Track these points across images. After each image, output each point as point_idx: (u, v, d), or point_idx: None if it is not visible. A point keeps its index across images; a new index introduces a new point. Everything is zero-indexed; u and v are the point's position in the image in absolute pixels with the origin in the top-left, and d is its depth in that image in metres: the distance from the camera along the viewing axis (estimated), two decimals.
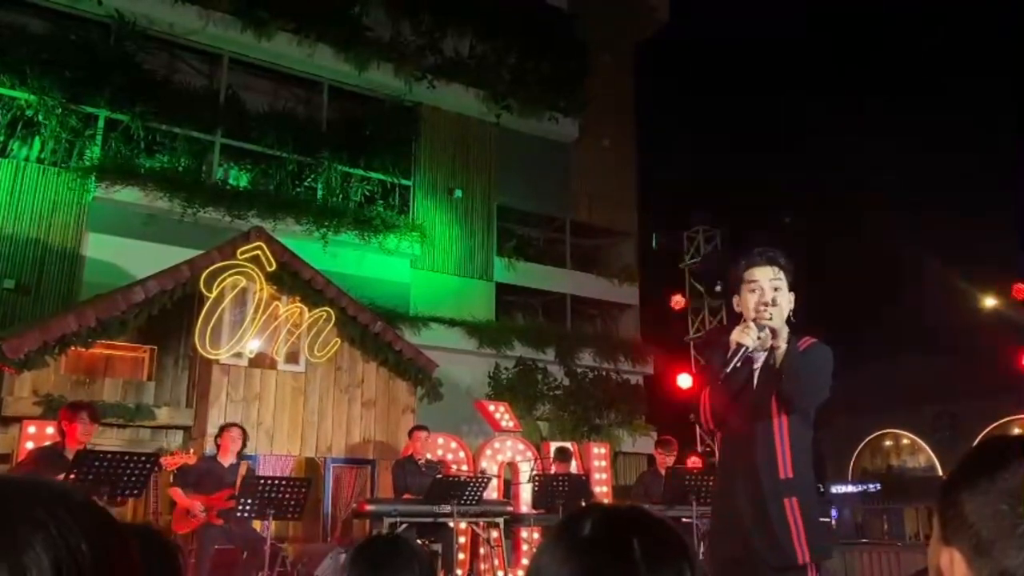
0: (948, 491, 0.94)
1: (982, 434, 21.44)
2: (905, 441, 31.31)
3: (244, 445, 7.14)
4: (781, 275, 2.85)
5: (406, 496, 7.58)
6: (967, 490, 0.91)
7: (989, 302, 14.58)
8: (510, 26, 14.99)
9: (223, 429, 7.09)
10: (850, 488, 31.72)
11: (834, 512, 30.89)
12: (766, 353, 2.87)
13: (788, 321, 2.85)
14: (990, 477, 0.90)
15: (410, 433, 8.25)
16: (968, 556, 0.89)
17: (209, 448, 7.76)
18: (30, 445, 6.80)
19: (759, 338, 2.75)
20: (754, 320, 2.80)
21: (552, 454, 9.30)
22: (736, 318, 2.94)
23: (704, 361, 3.23)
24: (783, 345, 2.78)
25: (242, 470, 7.04)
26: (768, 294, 2.81)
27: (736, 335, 2.75)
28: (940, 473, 27.81)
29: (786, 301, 2.85)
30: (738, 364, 2.70)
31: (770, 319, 2.78)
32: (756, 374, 2.89)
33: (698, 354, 14.18)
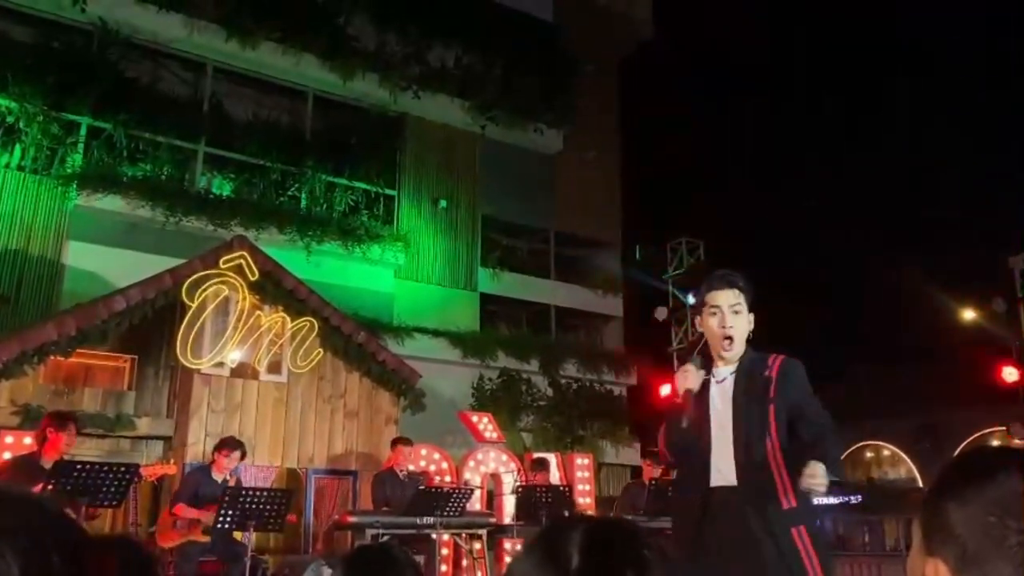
0: (932, 501, 0.93)
1: (962, 445, 21.60)
2: (886, 452, 31.50)
3: (243, 456, 7.09)
4: (741, 298, 2.94)
5: (384, 508, 7.55)
6: (953, 500, 0.90)
7: (969, 314, 14.73)
8: (496, 38, 15.04)
9: (223, 447, 6.94)
10: (831, 499, 31.83)
11: (816, 523, 30.97)
12: (735, 368, 2.91)
13: (748, 340, 2.96)
14: (977, 487, 0.89)
15: (392, 445, 8.21)
16: (954, 568, 0.88)
17: (190, 460, 7.70)
18: (7, 455, 6.72)
19: (702, 370, 2.89)
20: (698, 352, 2.93)
21: (529, 467, 9.28)
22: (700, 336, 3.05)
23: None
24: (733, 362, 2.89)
25: (232, 483, 6.98)
26: (728, 317, 2.91)
27: (680, 382, 2.88)
28: (921, 484, 28.00)
29: (745, 322, 2.95)
30: (686, 421, 2.79)
31: (730, 348, 2.90)
32: (724, 391, 2.90)
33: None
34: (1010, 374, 12.97)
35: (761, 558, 2.66)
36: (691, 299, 14.11)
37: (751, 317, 2.98)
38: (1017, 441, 12.64)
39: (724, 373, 2.95)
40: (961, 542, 0.88)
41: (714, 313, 2.93)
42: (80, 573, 0.68)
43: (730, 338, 2.89)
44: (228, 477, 6.90)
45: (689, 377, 2.87)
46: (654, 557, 0.95)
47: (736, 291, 2.94)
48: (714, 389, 2.94)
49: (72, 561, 0.67)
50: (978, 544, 0.86)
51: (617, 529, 0.98)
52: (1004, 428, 13.46)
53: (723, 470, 2.80)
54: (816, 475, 2.60)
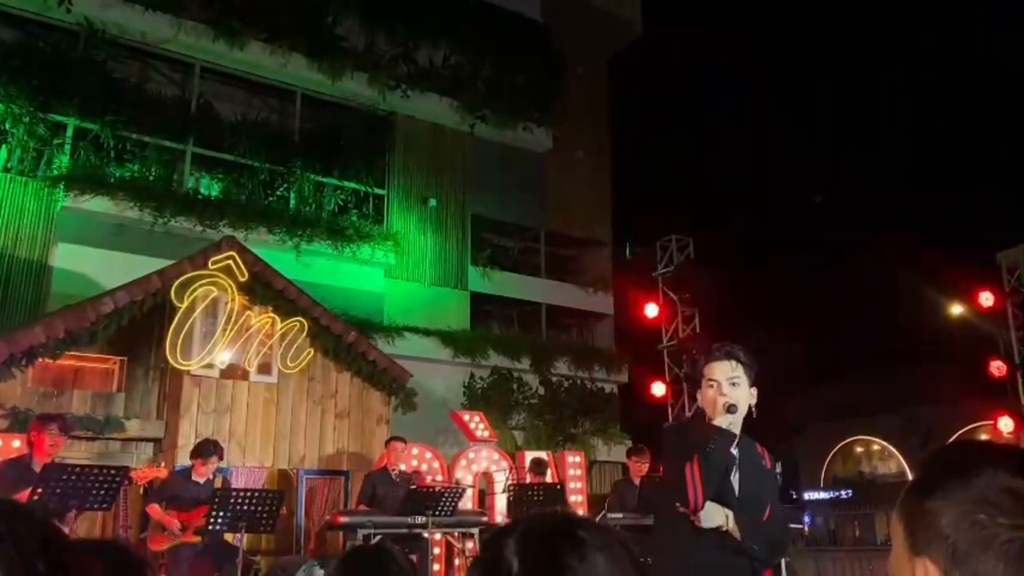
0: (915, 499, 0.92)
1: (951, 439, 21.74)
2: (876, 447, 31.68)
3: (220, 459, 7.05)
4: (740, 370, 2.85)
5: (362, 506, 7.55)
6: (939, 498, 0.89)
7: (957, 310, 14.81)
8: (485, 37, 15.03)
9: (198, 455, 6.86)
10: (822, 494, 32.01)
11: (807, 518, 31.14)
12: (737, 440, 2.88)
13: (749, 416, 2.88)
14: (963, 484, 0.88)
15: (387, 443, 8.21)
16: (944, 568, 0.86)
17: (181, 461, 7.67)
18: None
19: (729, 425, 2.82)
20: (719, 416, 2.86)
21: (528, 466, 9.29)
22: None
23: (671, 448, 3.16)
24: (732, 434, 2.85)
25: (217, 482, 6.96)
26: (726, 389, 2.82)
27: (717, 420, 2.82)
28: (910, 478, 28.19)
29: (745, 395, 2.85)
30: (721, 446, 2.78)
31: (731, 413, 2.81)
32: (738, 465, 2.88)
33: (672, 363, 14.26)
34: (998, 368, 13.05)
35: None
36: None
37: (753, 391, 2.88)
38: (1006, 435, 12.73)
39: (734, 449, 2.89)
40: (950, 541, 0.86)
41: (711, 386, 2.85)
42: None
43: (732, 409, 2.78)
44: (212, 477, 6.88)
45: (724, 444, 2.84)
46: (594, 536, 0.92)
47: (734, 363, 2.85)
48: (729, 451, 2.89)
49: (57, 567, 0.67)
50: (968, 543, 0.85)
51: (551, 523, 0.96)
52: (992, 422, 13.55)
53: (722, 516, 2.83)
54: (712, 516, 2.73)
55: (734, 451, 2.83)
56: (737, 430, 2.82)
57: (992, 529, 0.85)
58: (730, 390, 2.82)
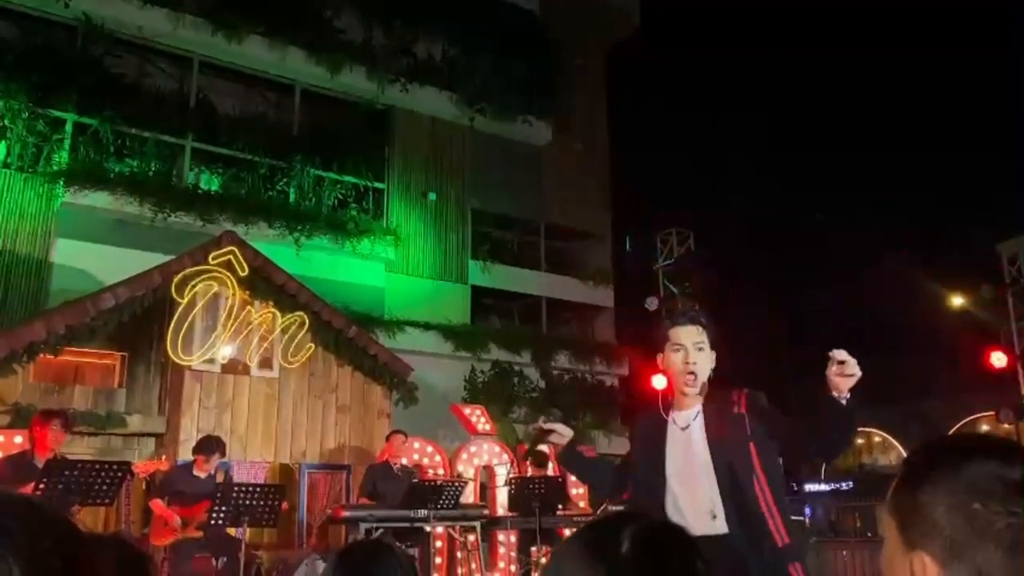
0: (906, 492, 0.91)
1: (952, 430, 21.76)
2: (876, 439, 31.71)
3: (222, 455, 7.07)
4: (704, 335, 2.90)
5: (363, 500, 7.57)
6: (929, 491, 0.88)
7: (957, 300, 14.81)
8: (483, 29, 14.99)
9: (200, 451, 6.87)
10: (823, 486, 32.05)
11: (808, 510, 31.20)
12: (699, 411, 2.86)
13: (710, 379, 2.92)
14: (953, 475, 0.87)
15: (388, 437, 8.23)
16: (941, 560, 0.86)
17: (182, 456, 7.68)
18: None
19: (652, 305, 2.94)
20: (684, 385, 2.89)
21: (528, 459, 9.30)
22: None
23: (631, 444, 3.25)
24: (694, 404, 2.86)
25: (219, 477, 6.98)
26: (692, 354, 2.87)
27: (680, 384, 2.88)
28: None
29: (708, 360, 2.91)
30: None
31: (694, 384, 2.86)
32: (695, 437, 2.83)
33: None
34: (998, 359, 13.06)
35: None
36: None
37: (713, 355, 2.93)
38: (1006, 426, 12.74)
39: (687, 418, 2.87)
40: (946, 533, 0.86)
41: (677, 350, 2.89)
42: (79, 574, 0.68)
43: (693, 374, 2.85)
44: (214, 472, 6.89)
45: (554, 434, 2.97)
46: (705, 570, 0.96)
47: (699, 328, 2.91)
48: (678, 435, 2.86)
49: (71, 562, 0.67)
50: (964, 533, 0.85)
51: (664, 528, 1.00)
52: (993, 413, 13.57)
53: (702, 517, 2.71)
54: (840, 357, 2.61)
55: (694, 420, 2.86)
56: (699, 393, 2.88)
57: (987, 517, 0.84)
58: (696, 355, 2.87)
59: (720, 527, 2.68)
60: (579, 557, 0.95)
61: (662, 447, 2.86)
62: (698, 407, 2.87)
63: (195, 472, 6.81)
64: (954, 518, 0.86)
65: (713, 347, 2.93)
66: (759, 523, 2.67)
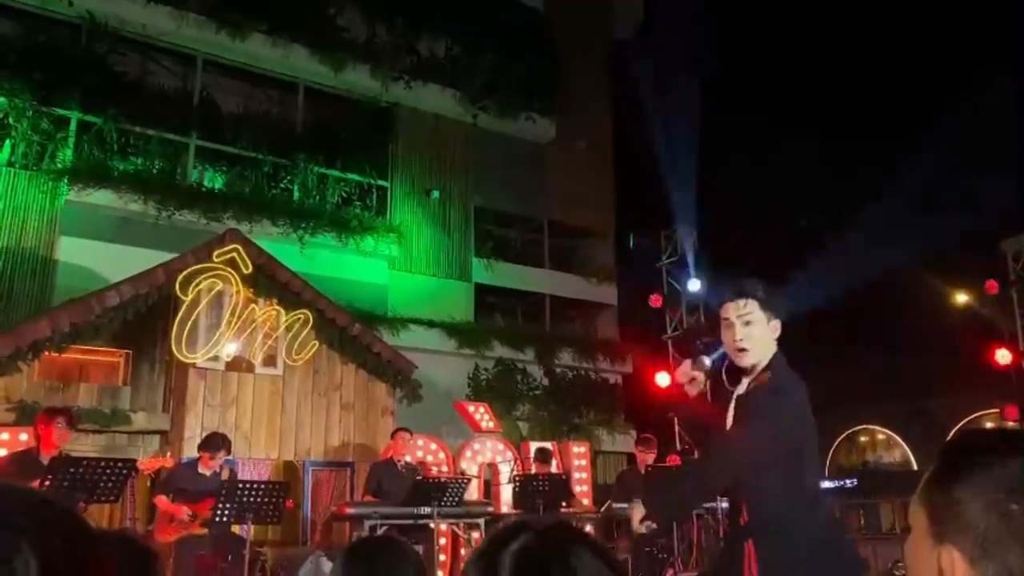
0: (941, 486, 0.90)
1: (956, 428, 21.73)
2: (880, 436, 31.66)
3: (227, 453, 7.08)
4: (753, 306, 2.78)
5: (367, 498, 7.58)
6: (966, 487, 0.87)
7: (962, 297, 14.78)
8: (486, 27, 14.98)
9: (206, 448, 6.89)
10: (827, 484, 32.01)
11: None
12: (752, 382, 2.83)
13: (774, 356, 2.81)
14: (992, 472, 0.86)
15: (393, 435, 8.23)
16: (971, 556, 0.85)
17: (187, 454, 7.70)
18: (3, 452, 6.71)
19: (704, 366, 2.84)
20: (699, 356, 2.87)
21: (533, 455, 9.31)
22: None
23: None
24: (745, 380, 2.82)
25: (224, 474, 6.99)
26: (739, 330, 2.78)
27: (687, 389, 2.86)
28: (915, 467, 28.15)
29: (762, 332, 2.79)
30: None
31: (744, 359, 2.79)
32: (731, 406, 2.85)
33: (677, 354, 14.26)
34: (1003, 357, 13.03)
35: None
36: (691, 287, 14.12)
37: (775, 324, 2.81)
38: (1011, 423, 12.72)
39: (742, 387, 2.84)
40: (979, 531, 0.85)
41: (727, 327, 2.81)
42: (91, 570, 0.69)
43: (744, 349, 2.77)
44: (219, 469, 6.90)
45: (690, 382, 2.88)
46: (585, 562, 0.96)
47: (745, 299, 2.79)
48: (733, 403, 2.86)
49: (84, 559, 0.68)
50: (998, 533, 0.84)
51: (545, 543, 0.98)
52: (998, 411, 13.55)
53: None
54: (633, 519, 2.73)
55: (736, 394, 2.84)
56: (755, 365, 2.78)
57: (1022, 519, 0.84)
58: (744, 330, 2.77)
59: (721, 501, 2.90)
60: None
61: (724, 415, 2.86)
62: (746, 381, 2.82)
63: (200, 469, 6.83)
64: (989, 517, 0.85)
65: (775, 317, 2.81)
66: (736, 501, 2.80)
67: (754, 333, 2.77)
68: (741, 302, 2.80)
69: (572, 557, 0.95)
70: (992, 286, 13.32)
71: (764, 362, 2.79)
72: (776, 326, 2.82)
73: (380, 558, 1.84)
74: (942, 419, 25.39)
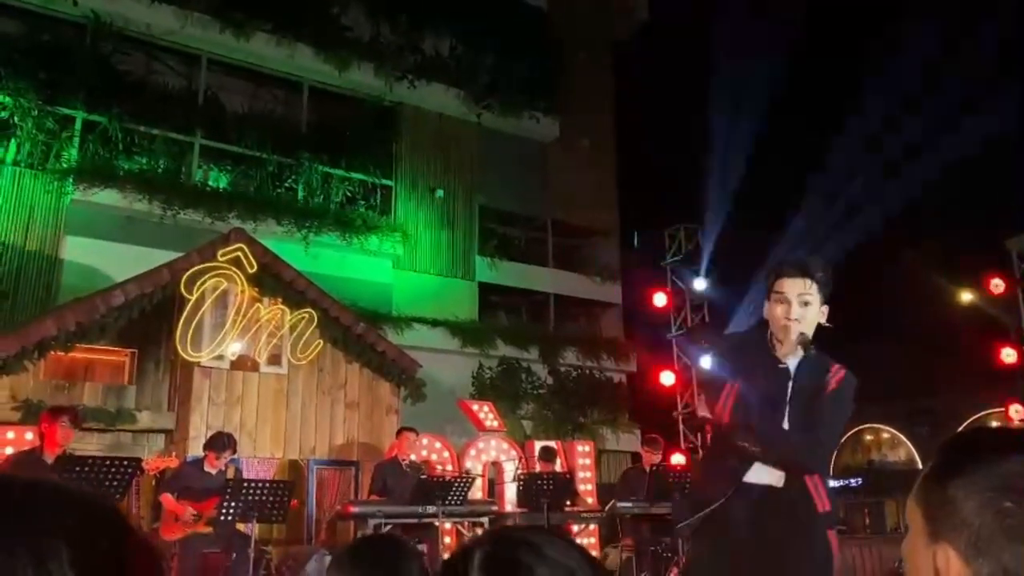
0: (936, 484, 0.90)
1: (961, 427, 21.68)
2: (885, 435, 31.59)
3: (233, 452, 7.09)
4: (814, 288, 2.70)
5: (373, 497, 7.58)
6: (961, 485, 0.87)
7: (967, 296, 14.74)
8: (489, 25, 14.98)
9: (211, 447, 6.89)
10: (832, 483, 31.91)
11: None
12: (799, 360, 2.75)
13: (819, 333, 2.76)
14: (987, 470, 0.86)
15: (398, 434, 8.24)
16: (965, 555, 0.85)
17: (192, 453, 7.71)
18: (9, 451, 6.73)
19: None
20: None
21: (537, 454, 9.31)
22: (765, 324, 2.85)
23: (720, 355, 3.08)
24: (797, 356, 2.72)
25: (230, 472, 7.00)
26: (795, 308, 2.68)
27: (783, 335, 2.70)
28: (920, 466, 28.09)
29: (815, 315, 2.71)
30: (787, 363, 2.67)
31: (799, 337, 2.69)
32: (783, 380, 2.74)
33: (681, 352, 14.25)
34: (1009, 355, 13.00)
35: (802, 556, 2.64)
36: (694, 284, 14.07)
37: (825, 309, 2.74)
38: (1017, 422, 12.68)
39: (788, 360, 2.75)
40: (974, 529, 0.84)
41: (781, 302, 2.69)
42: (135, 572, 0.68)
43: (791, 329, 2.68)
44: (224, 468, 6.91)
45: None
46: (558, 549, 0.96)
47: (809, 280, 2.69)
48: (782, 378, 2.75)
49: (127, 561, 0.67)
50: (992, 531, 0.84)
51: (513, 548, 0.98)
52: (1003, 409, 13.51)
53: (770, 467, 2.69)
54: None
55: (791, 367, 2.73)
56: (797, 348, 2.70)
57: (1019, 518, 0.83)
58: (800, 310, 2.68)
59: (778, 481, 2.69)
60: None
61: (776, 387, 2.74)
62: (799, 357, 2.73)
63: (206, 468, 6.84)
64: (983, 515, 0.85)
65: (827, 301, 2.75)
66: (802, 486, 2.68)
67: (809, 315, 2.70)
68: (805, 281, 2.70)
69: (545, 547, 0.95)
70: (997, 284, 13.28)
71: (804, 346, 2.72)
72: (825, 311, 2.77)
73: (383, 556, 1.84)
74: (947, 418, 25.32)
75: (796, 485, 2.67)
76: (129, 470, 5.70)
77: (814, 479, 2.69)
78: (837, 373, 2.75)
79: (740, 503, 2.66)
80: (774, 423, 2.69)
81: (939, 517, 0.88)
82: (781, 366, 2.75)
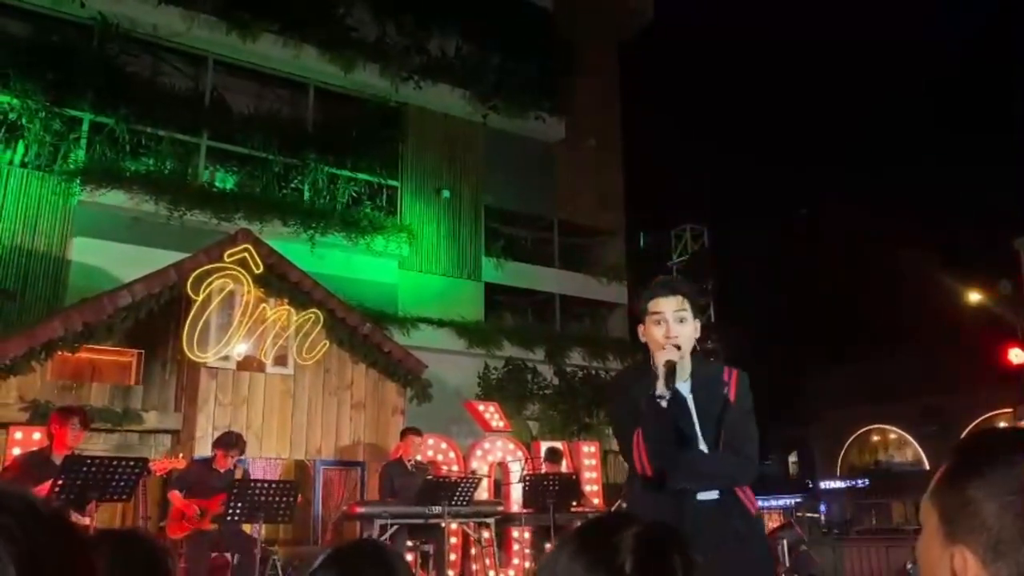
0: (954, 485, 0.89)
1: (969, 428, 21.59)
2: (892, 436, 31.50)
3: (241, 452, 7.11)
4: (686, 304, 2.82)
5: (389, 500, 7.58)
6: (980, 486, 0.86)
7: (974, 296, 14.69)
8: (495, 26, 14.99)
9: (221, 446, 6.90)
10: (839, 484, 31.88)
11: (823, 507, 31.06)
12: (688, 378, 2.82)
13: (694, 351, 2.84)
14: (1007, 473, 0.85)
15: (402, 435, 8.23)
16: (983, 557, 0.84)
17: (199, 453, 7.73)
18: (17, 451, 6.76)
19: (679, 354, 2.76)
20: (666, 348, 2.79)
21: (543, 455, 9.31)
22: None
23: (615, 409, 3.15)
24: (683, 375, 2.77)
25: (238, 473, 7.02)
26: (673, 326, 2.78)
27: (661, 357, 2.71)
28: (927, 467, 27.98)
29: (691, 331, 2.82)
30: (668, 392, 2.64)
31: (679, 350, 2.75)
32: (694, 412, 2.82)
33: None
34: (1016, 356, 12.96)
35: (752, 558, 2.76)
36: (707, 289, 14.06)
37: (697, 324, 2.86)
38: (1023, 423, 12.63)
39: (679, 385, 2.80)
40: (993, 531, 0.84)
41: (658, 321, 2.80)
42: (74, 573, 0.68)
43: (678, 346, 2.76)
44: (233, 467, 6.93)
45: (671, 353, 2.73)
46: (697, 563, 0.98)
47: (681, 297, 2.82)
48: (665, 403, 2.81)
49: (67, 563, 0.67)
50: (1011, 532, 0.83)
51: (668, 533, 1.00)
52: (1011, 410, 13.46)
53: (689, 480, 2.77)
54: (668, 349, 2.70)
55: (683, 390, 2.77)
56: (687, 368, 2.77)
57: None
58: (677, 327, 2.78)
59: (712, 492, 2.77)
60: (575, 566, 0.95)
61: (680, 415, 2.78)
62: (686, 383, 2.80)
63: (214, 466, 6.86)
64: (1003, 517, 0.84)
65: (696, 317, 2.86)
66: (734, 494, 2.78)
67: (685, 332, 2.79)
68: (679, 299, 2.82)
69: (689, 550, 0.98)
70: (1005, 285, 13.23)
71: (687, 359, 2.79)
72: (698, 327, 2.87)
73: (364, 561, 1.81)
74: (954, 418, 25.24)
75: (730, 496, 2.79)
76: (136, 470, 5.71)
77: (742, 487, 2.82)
78: (731, 377, 2.84)
79: (683, 519, 2.71)
80: (695, 456, 2.76)
81: (956, 519, 0.87)
82: (677, 395, 2.78)
